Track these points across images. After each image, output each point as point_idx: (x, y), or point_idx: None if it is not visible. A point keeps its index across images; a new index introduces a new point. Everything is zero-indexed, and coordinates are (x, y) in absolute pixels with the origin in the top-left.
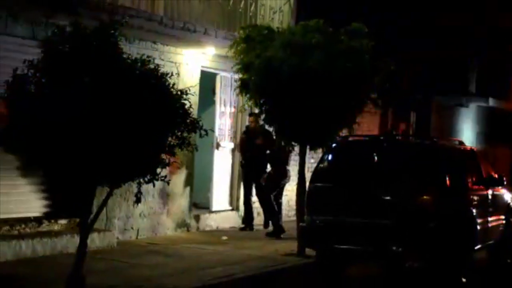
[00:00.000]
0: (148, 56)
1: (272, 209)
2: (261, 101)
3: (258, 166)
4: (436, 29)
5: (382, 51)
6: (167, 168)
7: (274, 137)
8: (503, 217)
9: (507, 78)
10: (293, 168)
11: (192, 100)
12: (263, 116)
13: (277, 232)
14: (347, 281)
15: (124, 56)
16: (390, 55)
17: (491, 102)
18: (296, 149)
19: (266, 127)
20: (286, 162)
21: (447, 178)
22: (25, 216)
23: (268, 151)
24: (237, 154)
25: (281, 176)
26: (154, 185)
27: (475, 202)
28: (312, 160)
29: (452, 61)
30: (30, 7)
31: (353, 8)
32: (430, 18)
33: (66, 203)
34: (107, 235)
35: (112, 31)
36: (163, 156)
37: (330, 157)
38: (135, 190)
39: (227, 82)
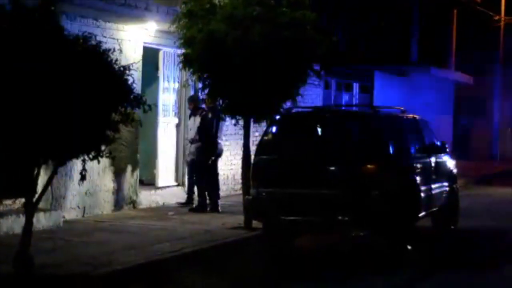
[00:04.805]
0: (89, 33)
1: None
2: (205, 76)
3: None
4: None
5: (325, 23)
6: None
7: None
8: (446, 184)
9: (448, 48)
10: (237, 142)
11: (135, 76)
12: (206, 91)
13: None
14: (294, 252)
15: (66, 33)
16: (333, 27)
17: (433, 71)
18: (241, 122)
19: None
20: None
21: (390, 147)
22: None
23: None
24: (182, 130)
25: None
26: (99, 162)
27: (419, 170)
28: (256, 134)
29: (394, 31)
30: None
31: None
32: None
33: (10, 183)
34: (53, 214)
35: (53, 8)
36: (108, 132)
37: (274, 129)
38: (80, 168)
39: (170, 57)
